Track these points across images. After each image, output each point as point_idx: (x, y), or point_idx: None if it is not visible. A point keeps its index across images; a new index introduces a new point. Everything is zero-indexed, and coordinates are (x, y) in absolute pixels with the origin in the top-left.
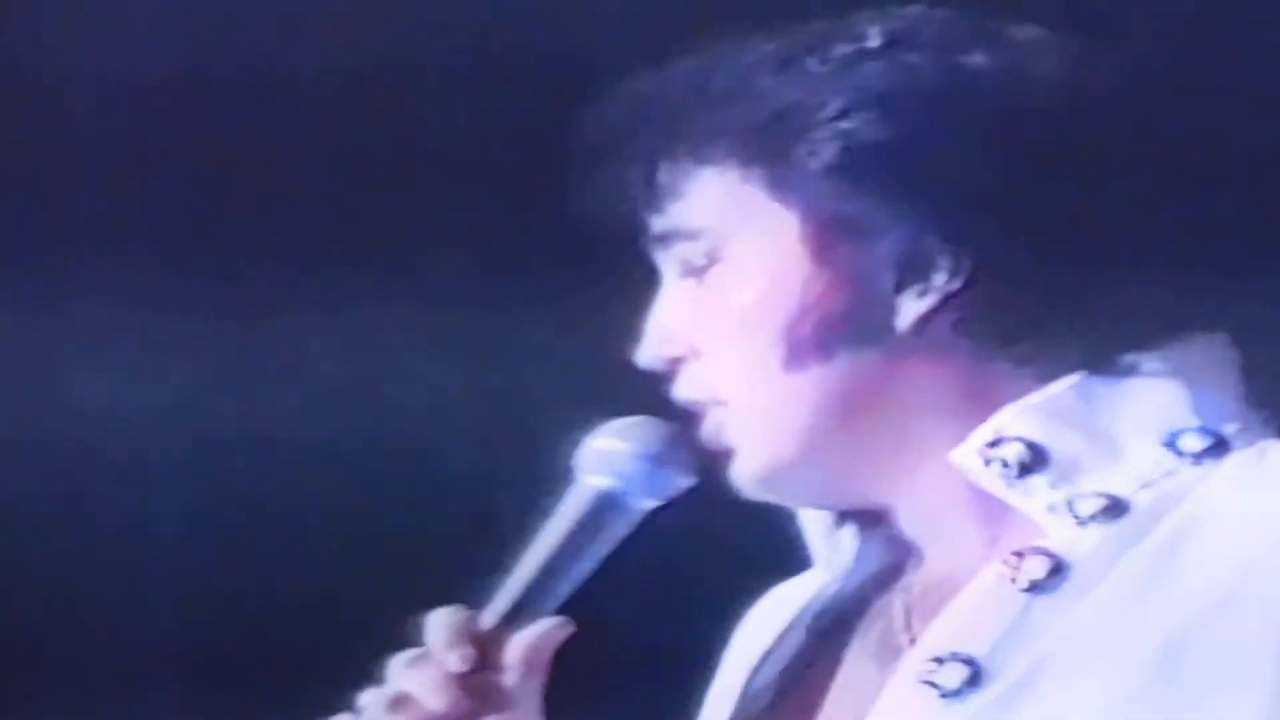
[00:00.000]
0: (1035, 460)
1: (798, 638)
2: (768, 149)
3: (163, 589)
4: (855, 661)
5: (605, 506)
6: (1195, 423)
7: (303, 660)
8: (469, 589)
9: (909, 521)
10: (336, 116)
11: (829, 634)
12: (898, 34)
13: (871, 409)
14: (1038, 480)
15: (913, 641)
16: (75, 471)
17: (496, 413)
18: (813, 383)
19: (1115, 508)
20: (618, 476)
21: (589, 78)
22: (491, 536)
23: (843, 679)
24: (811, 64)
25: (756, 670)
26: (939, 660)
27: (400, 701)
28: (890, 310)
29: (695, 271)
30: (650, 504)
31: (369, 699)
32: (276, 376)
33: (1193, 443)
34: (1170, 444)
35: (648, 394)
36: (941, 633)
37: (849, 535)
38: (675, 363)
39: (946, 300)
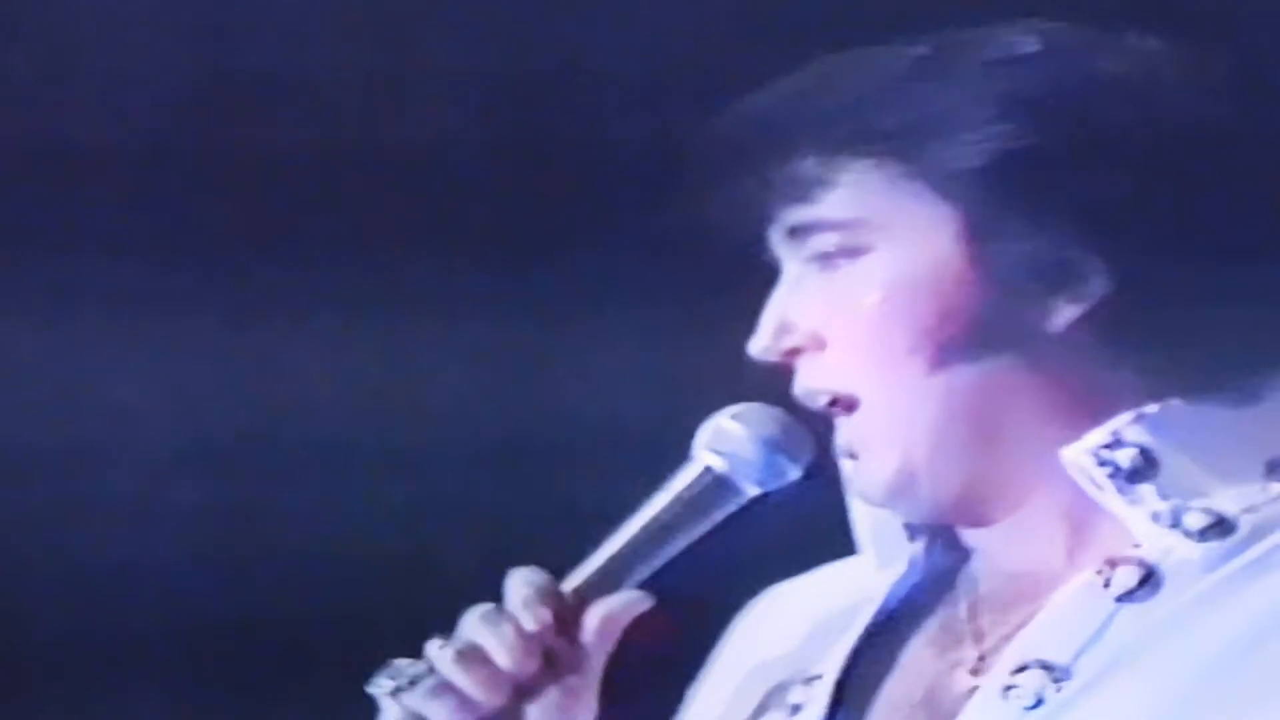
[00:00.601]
0: (1146, 468)
1: (857, 630)
2: (925, 149)
3: (170, 592)
4: (913, 649)
5: (713, 487)
6: None
7: (308, 666)
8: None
9: (998, 519)
10: (361, 120)
11: (892, 624)
12: (1046, 42)
13: (1002, 413)
14: (1146, 489)
15: (977, 634)
16: (81, 473)
17: (519, 429)
18: (952, 383)
19: (1222, 526)
20: (731, 458)
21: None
22: (503, 554)
23: (901, 666)
24: (964, 69)
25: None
26: (1023, 668)
27: (470, 654)
28: (1041, 314)
29: (830, 263)
30: (755, 491)
31: (437, 650)
32: (284, 381)
33: None
34: (1274, 471)
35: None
36: (1028, 640)
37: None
38: (792, 354)
39: (1098, 306)
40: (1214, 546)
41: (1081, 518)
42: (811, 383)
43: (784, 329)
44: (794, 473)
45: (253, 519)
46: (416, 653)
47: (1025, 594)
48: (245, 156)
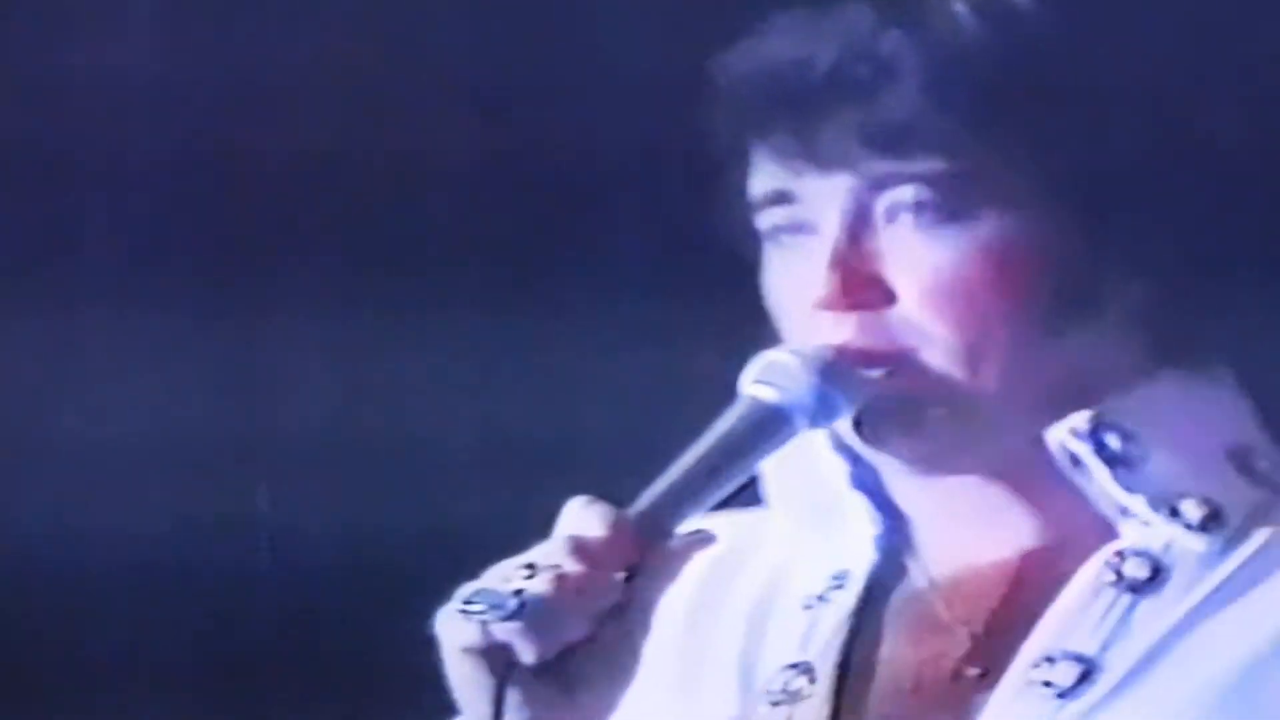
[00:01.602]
0: (1132, 452)
1: (836, 617)
2: (1029, 109)
3: (169, 598)
4: (886, 636)
5: (765, 420)
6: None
7: (308, 671)
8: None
9: (958, 498)
10: (356, 109)
11: (863, 611)
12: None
13: (1047, 387)
14: (1139, 474)
15: (964, 620)
16: (78, 478)
17: (510, 433)
18: (1025, 353)
19: (1217, 516)
20: (783, 390)
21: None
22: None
23: (879, 654)
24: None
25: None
26: (1050, 660)
27: (568, 582)
28: (1112, 292)
29: (916, 219)
30: (806, 425)
31: (524, 578)
32: (285, 384)
33: (1265, 465)
34: (1238, 459)
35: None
36: (1049, 631)
37: (862, 508)
38: (859, 307)
39: (1168, 293)
40: (1214, 539)
41: (1052, 501)
42: (875, 339)
43: (863, 282)
44: (846, 411)
45: (244, 520)
46: (412, 656)
47: (995, 579)
48: (241, 159)
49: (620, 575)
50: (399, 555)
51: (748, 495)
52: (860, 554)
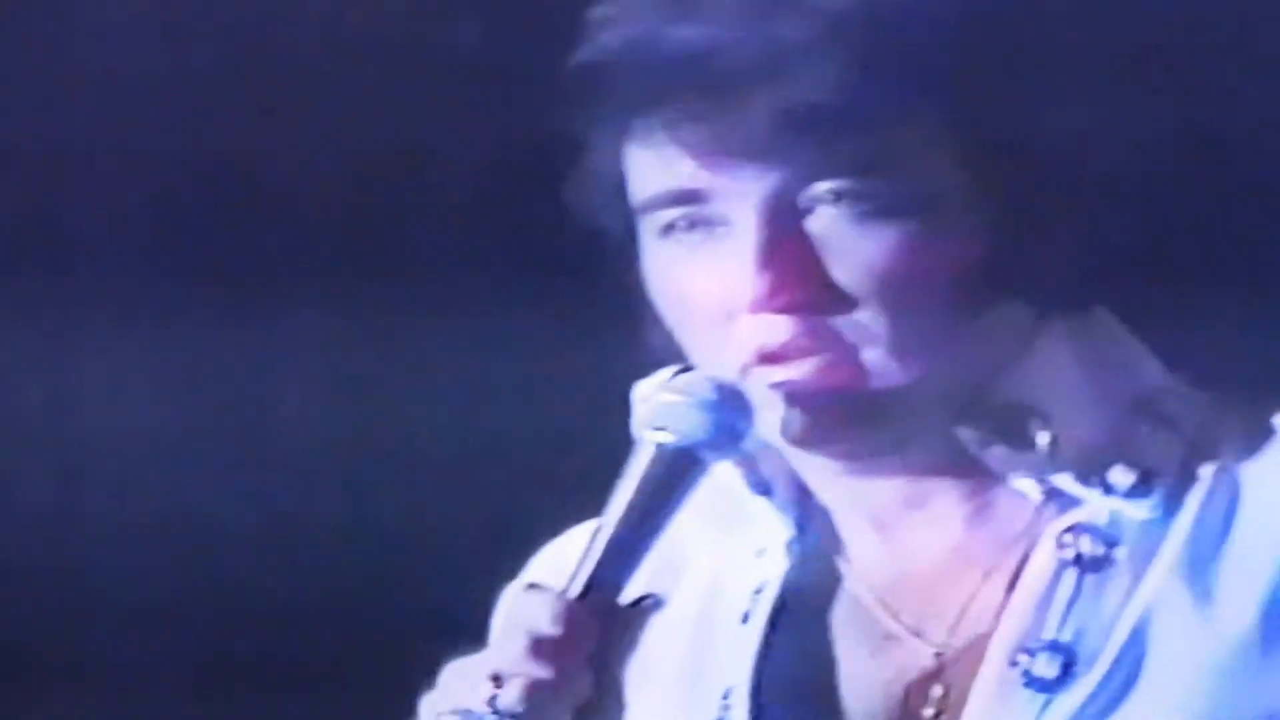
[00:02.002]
0: (1049, 429)
1: (752, 633)
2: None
3: (169, 597)
4: (846, 652)
5: (673, 463)
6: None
7: (310, 669)
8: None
9: (887, 497)
10: (345, 115)
11: (797, 624)
12: None
13: (958, 368)
14: (1059, 452)
15: (915, 631)
16: (77, 478)
17: (506, 420)
18: (952, 338)
19: (1148, 478)
20: (681, 432)
21: None
22: (502, 547)
23: (845, 675)
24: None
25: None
26: (1028, 652)
27: (537, 687)
28: (1022, 271)
29: (843, 204)
30: (714, 456)
31: (493, 689)
32: (280, 381)
33: (1177, 408)
34: (1148, 410)
35: None
36: (1018, 622)
37: (769, 513)
38: (793, 308)
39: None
40: (1154, 501)
41: (978, 495)
42: (803, 339)
43: (794, 280)
44: (748, 431)
45: (242, 520)
46: (411, 654)
47: (938, 579)
48: (239, 161)
49: (585, 660)
50: (398, 554)
51: None
52: (775, 562)
